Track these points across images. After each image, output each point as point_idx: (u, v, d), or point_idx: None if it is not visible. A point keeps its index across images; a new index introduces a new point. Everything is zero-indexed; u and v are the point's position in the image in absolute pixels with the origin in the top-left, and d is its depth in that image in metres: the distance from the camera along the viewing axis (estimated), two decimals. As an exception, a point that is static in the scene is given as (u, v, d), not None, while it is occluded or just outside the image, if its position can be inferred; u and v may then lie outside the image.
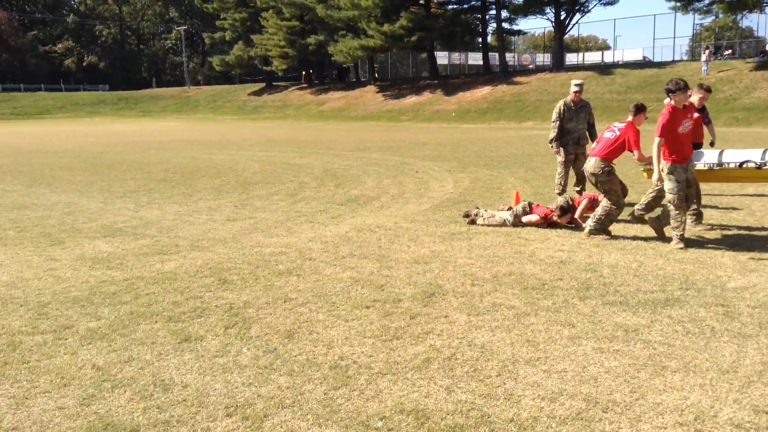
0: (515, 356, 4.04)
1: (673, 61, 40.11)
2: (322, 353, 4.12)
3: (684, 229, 6.79)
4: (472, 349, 4.17)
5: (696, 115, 7.57)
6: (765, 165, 7.03)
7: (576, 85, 9.17)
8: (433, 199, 10.16)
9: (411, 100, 46.39)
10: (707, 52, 34.47)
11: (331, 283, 5.63)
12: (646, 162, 7.25)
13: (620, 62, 45.19)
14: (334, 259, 6.45)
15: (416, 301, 5.14)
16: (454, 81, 48.83)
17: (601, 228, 7.28)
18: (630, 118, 7.22)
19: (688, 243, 6.87)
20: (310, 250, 6.86)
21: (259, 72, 64.64)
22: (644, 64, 41.76)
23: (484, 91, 43.61)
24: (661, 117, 6.69)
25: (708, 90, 8.05)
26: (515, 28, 49.67)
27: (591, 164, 7.24)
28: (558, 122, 9.22)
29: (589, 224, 7.35)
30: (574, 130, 9.23)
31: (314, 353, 4.12)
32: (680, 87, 6.69)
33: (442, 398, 3.50)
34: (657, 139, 6.63)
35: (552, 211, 7.96)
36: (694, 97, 7.82)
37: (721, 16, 34.93)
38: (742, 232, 7.45)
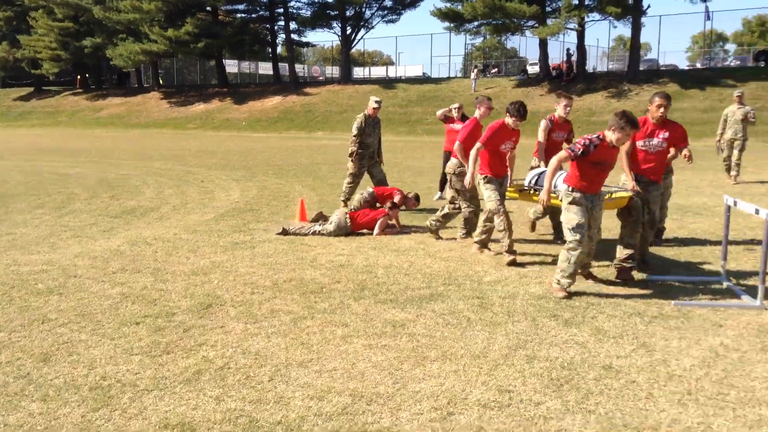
0: (289, 360, 4.10)
1: (448, 78, 43.31)
2: (82, 374, 3.84)
3: (510, 237, 6.60)
4: (246, 356, 4.15)
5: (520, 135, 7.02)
6: (530, 189, 6.89)
7: (376, 101, 9.53)
8: (218, 209, 9.95)
9: (199, 107, 44.98)
10: (475, 70, 37.80)
11: (98, 301, 5.27)
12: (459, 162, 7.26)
13: (403, 77, 47.76)
14: (102, 276, 6.04)
15: (192, 313, 4.99)
16: (244, 90, 48.18)
17: (438, 226, 7.69)
18: (477, 113, 7.42)
19: (452, 245, 7.47)
20: (75, 266, 6.36)
21: (26, 75, 58.49)
22: (423, 79, 44.53)
23: (275, 100, 43.61)
24: (488, 128, 6.74)
25: (569, 97, 7.57)
26: (304, 39, 50.03)
27: (449, 164, 7.49)
28: (359, 136, 9.48)
29: (431, 220, 7.72)
30: (371, 144, 9.58)
31: (73, 375, 3.83)
32: (519, 112, 6.61)
33: (211, 408, 3.44)
34: (477, 144, 6.69)
35: (383, 208, 8.30)
36: (560, 108, 7.47)
37: (488, 37, 38.47)
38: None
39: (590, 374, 3.91)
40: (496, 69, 43.18)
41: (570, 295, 5.42)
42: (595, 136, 5.46)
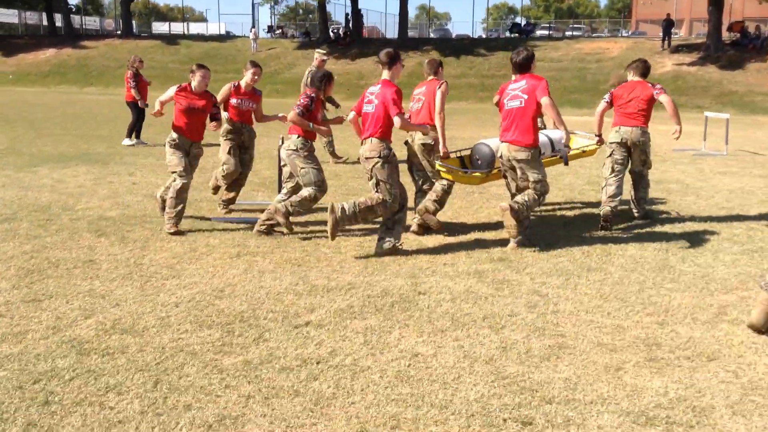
0: None
1: (234, 36, 43.33)
2: None
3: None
4: None
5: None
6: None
7: (322, 53, 9.97)
8: None
9: (-41, 59, 41.02)
10: (253, 31, 38.26)
11: None
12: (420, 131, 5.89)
13: (205, 34, 46.34)
14: None
15: None
16: (16, 41, 44.60)
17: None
18: (385, 74, 5.49)
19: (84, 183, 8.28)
20: None
21: None
22: (209, 37, 43.98)
23: (49, 53, 40.98)
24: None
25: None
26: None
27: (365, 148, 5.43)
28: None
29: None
30: None
31: None
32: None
33: None
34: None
35: None
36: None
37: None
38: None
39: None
40: (280, 30, 43.83)
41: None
42: None
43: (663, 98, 6.26)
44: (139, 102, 11.97)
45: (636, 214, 6.68)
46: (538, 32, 48.16)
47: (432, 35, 46.53)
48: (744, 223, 6.62)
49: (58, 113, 18.82)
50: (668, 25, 31.28)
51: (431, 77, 6.18)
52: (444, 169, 6.04)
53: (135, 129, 12.20)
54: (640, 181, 6.63)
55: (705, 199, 7.94)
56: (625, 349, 3.67)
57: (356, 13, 37.10)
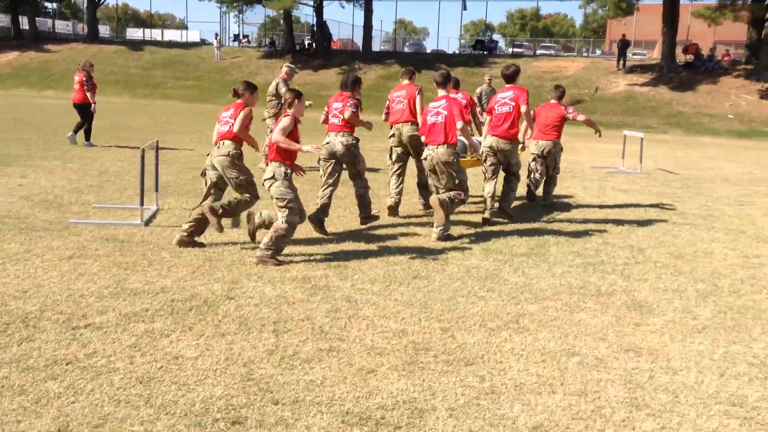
0: None
1: (201, 44, 43.24)
2: None
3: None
4: None
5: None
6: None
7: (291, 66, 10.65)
8: None
9: None
10: (217, 38, 38.19)
11: None
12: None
13: (184, 41, 45.84)
14: None
15: None
16: (-20, 43, 44.15)
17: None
18: (442, 92, 6.44)
19: None
20: None
21: None
22: (173, 44, 43.75)
23: (11, 56, 40.64)
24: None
25: None
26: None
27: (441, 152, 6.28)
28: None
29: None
30: None
31: None
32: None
33: None
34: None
35: None
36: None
37: (227, 7, 38.77)
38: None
39: None
40: (246, 38, 43.80)
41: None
42: None
43: (580, 117, 8.45)
44: (93, 106, 12.42)
45: (543, 202, 8.47)
46: (511, 50, 48.82)
47: (406, 49, 46.94)
48: (602, 238, 6.72)
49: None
50: (624, 45, 31.76)
51: (407, 82, 7.24)
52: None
53: (86, 131, 12.56)
54: (551, 181, 8.51)
55: (585, 214, 8.04)
56: (391, 353, 3.70)
57: (321, 25, 37.20)
